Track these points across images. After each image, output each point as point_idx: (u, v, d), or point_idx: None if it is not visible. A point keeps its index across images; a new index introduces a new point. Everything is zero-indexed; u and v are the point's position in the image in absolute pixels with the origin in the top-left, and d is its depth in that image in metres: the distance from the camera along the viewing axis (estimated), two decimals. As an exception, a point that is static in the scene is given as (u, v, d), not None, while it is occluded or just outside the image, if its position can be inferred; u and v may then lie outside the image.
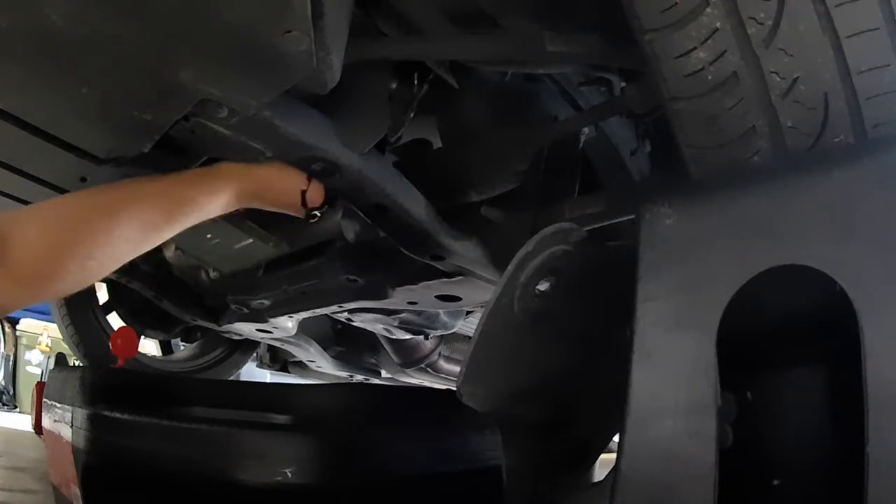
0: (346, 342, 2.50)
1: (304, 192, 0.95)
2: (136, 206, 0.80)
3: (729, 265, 0.61)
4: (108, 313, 2.36)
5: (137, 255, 0.80)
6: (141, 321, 2.08)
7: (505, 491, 0.86)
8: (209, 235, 1.21)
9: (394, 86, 1.05)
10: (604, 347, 0.79)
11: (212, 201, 0.87)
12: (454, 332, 2.11)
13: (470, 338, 0.76)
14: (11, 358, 6.45)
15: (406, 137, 1.18)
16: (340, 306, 1.53)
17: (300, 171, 0.96)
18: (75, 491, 1.13)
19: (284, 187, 0.95)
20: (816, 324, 0.66)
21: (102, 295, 2.24)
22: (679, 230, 0.65)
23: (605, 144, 1.28)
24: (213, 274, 1.57)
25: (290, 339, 2.10)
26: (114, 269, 0.79)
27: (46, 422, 1.42)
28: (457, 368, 2.44)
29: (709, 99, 0.67)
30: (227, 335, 2.15)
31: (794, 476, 0.67)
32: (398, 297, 1.45)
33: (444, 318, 1.88)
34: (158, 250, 1.21)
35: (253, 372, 3.29)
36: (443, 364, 2.49)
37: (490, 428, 1.07)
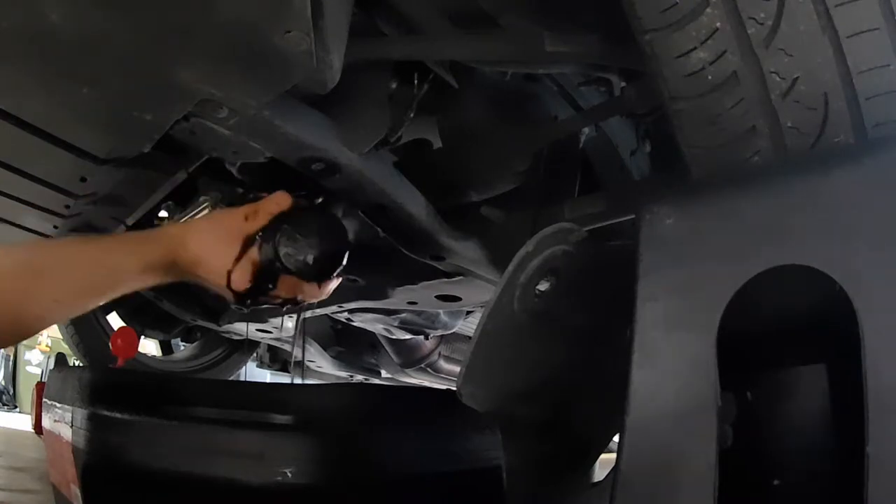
0: (346, 342, 2.50)
1: (229, 273, 0.85)
2: (67, 271, 0.79)
3: (729, 265, 0.60)
4: (107, 313, 2.36)
5: (74, 315, 0.83)
6: (141, 321, 2.08)
7: (505, 491, 0.86)
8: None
9: (394, 86, 1.05)
10: (604, 347, 0.79)
11: (141, 275, 0.83)
12: (454, 332, 2.11)
13: (470, 338, 0.76)
14: (11, 358, 6.47)
15: (406, 137, 1.17)
16: (340, 306, 1.53)
17: (237, 246, 0.85)
18: (75, 491, 1.13)
19: (211, 264, 0.85)
20: (816, 324, 0.66)
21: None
22: (679, 230, 0.65)
23: (605, 144, 1.28)
24: (213, 274, 1.57)
25: (291, 339, 2.10)
26: (46, 327, 0.79)
27: (46, 422, 1.42)
28: (457, 368, 2.44)
29: (709, 99, 0.67)
30: (227, 335, 2.15)
31: (794, 476, 0.66)
32: (398, 297, 1.45)
33: (444, 318, 1.88)
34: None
35: (253, 372, 3.29)
36: (443, 364, 2.49)
37: (490, 428, 1.07)
